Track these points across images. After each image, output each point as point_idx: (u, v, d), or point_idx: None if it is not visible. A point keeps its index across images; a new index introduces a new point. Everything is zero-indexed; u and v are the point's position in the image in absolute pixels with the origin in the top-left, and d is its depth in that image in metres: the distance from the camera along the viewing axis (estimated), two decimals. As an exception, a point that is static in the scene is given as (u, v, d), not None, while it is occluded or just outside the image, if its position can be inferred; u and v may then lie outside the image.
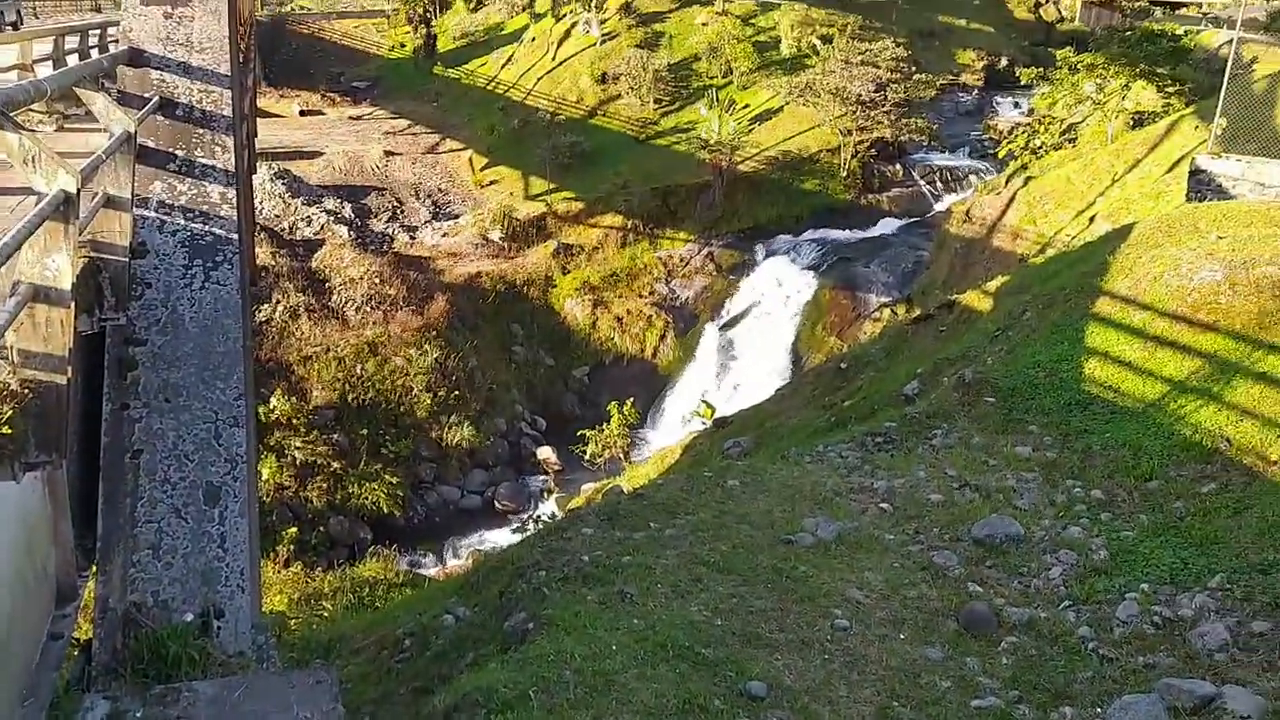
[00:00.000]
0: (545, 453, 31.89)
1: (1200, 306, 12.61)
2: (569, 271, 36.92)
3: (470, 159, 43.41)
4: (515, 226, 37.76)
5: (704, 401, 25.74)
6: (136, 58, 8.50)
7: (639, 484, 16.03)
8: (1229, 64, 19.38)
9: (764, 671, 7.63)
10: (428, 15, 55.17)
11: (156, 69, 8.52)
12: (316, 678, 5.78)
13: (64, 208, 4.49)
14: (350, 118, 49.01)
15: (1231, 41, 21.72)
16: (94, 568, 6.66)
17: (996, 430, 11.65)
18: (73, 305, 5.06)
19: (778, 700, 7.22)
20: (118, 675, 6.04)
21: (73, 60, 14.87)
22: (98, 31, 16.35)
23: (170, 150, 8.23)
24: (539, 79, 47.29)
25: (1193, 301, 12.74)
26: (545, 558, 10.35)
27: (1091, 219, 30.26)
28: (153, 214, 7.87)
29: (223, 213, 8.11)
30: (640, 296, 36.64)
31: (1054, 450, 11.12)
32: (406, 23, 55.43)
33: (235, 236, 8.13)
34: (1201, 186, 18.27)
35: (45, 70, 13.49)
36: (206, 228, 7.96)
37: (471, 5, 57.74)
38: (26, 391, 4.68)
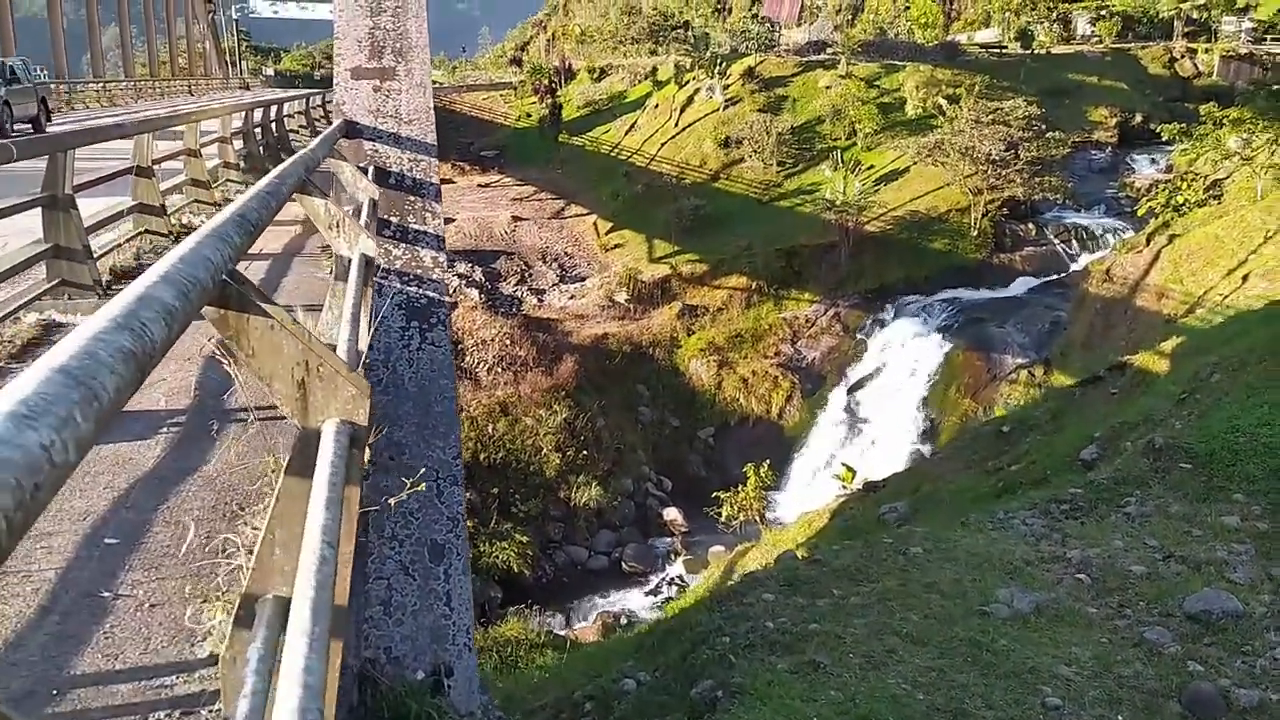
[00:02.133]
0: (672, 514, 31.64)
1: None
2: (694, 333, 36.96)
3: (595, 223, 44.17)
4: (640, 289, 38.11)
5: (844, 465, 25.21)
6: (351, 129, 8.88)
7: (787, 548, 15.70)
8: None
9: (981, 750, 7.30)
10: (553, 86, 56.87)
11: (369, 140, 8.89)
12: (555, 741, 5.72)
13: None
14: (479, 185, 50.55)
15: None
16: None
17: (1196, 499, 11.04)
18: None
19: (1005, 781, 6.88)
20: (356, 731, 6.10)
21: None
22: (275, 106, 17.41)
23: (385, 217, 8.55)
24: (662, 145, 48.05)
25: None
26: (727, 623, 10.18)
27: (1245, 278, 28.97)
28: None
29: (434, 276, 8.35)
30: (765, 357, 36.34)
31: (1265, 521, 10.47)
32: (533, 93, 57.22)
33: (446, 299, 8.34)
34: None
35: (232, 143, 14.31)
36: (421, 290, 8.20)
37: (595, 75, 59.33)
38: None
